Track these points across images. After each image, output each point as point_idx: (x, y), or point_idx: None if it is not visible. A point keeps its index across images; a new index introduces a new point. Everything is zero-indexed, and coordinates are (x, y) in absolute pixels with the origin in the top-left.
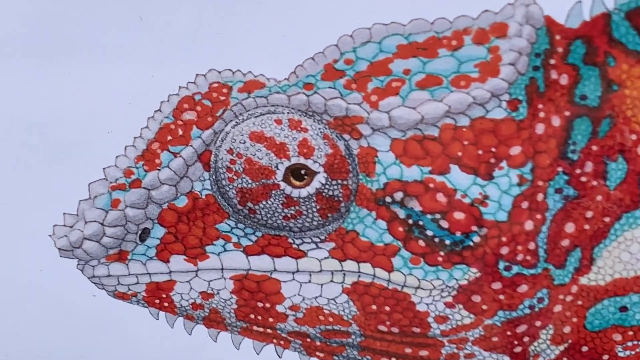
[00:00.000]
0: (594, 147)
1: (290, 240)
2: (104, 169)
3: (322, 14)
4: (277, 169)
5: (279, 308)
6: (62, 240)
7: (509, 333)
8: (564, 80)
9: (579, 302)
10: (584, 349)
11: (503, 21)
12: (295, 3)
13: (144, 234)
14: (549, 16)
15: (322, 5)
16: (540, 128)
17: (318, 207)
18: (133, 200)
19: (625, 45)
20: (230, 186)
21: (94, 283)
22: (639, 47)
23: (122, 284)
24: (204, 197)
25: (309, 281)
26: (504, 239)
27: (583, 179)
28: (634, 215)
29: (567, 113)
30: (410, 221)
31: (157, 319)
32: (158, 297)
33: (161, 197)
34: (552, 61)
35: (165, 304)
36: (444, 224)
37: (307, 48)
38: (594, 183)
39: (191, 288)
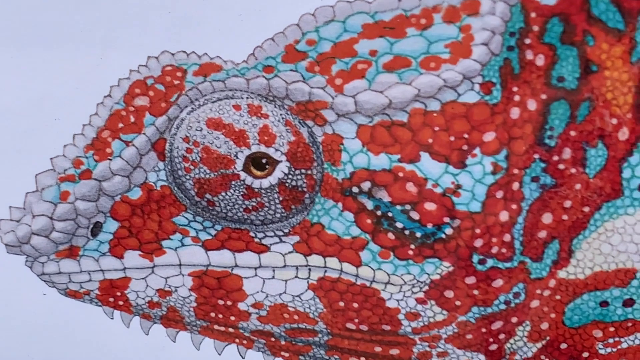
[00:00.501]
0: (572, 133)
1: (252, 234)
2: (51, 159)
3: None
4: (237, 158)
5: (241, 306)
6: (8, 236)
7: (483, 330)
8: (540, 61)
9: (557, 297)
10: (563, 346)
11: None
12: None
13: (96, 229)
14: None
15: None
16: (515, 112)
17: (281, 198)
18: (83, 192)
19: (605, 23)
20: (187, 177)
21: (44, 281)
22: (619, 24)
23: (73, 282)
24: (159, 188)
25: (273, 277)
26: (477, 230)
27: (561, 166)
28: (614, 205)
29: (543, 96)
30: (379, 212)
31: (112, 319)
32: (112, 295)
33: (113, 189)
34: (528, 40)
35: (120, 303)
36: (415, 215)
37: (267, 28)
38: (573, 171)
39: (147, 285)
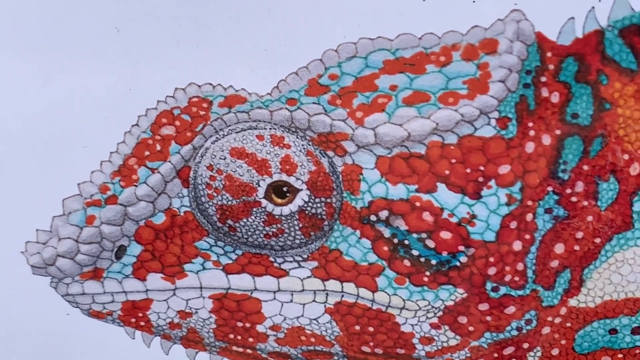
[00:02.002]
0: (585, 167)
1: (271, 258)
2: (78, 184)
3: (306, 27)
4: (259, 186)
5: (260, 328)
6: (34, 257)
7: (495, 355)
8: (555, 98)
9: (568, 324)
10: None
11: (493, 37)
12: (279, 16)
13: (120, 252)
14: (540, 32)
15: (307, 19)
16: (530, 147)
17: (301, 225)
18: (109, 216)
19: (619, 63)
20: (210, 203)
21: (68, 301)
22: (632, 65)
23: (97, 302)
24: (182, 214)
25: (291, 301)
26: (491, 259)
27: (573, 199)
28: (625, 237)
29: (557, 132)
30: (396, 240)
31: (134, 339)
32: (134, 315)
33: (138, 214)
34: (543, 79)
35: (142, 323)
36: (430, 243)
37: (291, 62)
38: (585, 203)
39: (169, 307)
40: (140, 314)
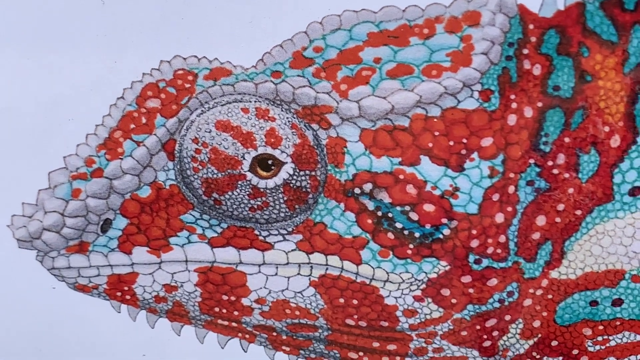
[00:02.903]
0: (566, 139)
1: (256, 232)
2: (64, 157)
3: (290, 0)
4: (244, 159)
5: (245, 301)
6: (20, 231)
7: (478, 327)
8: (537, 70)
9: (549, 296)
10: (554, 343)
11: (476, 9)
12: None
13: (106, 225)
14: (522, 5)
15: None
16: (512, 119)
17: (285, 198)
18: (94, 190)
19: (600, 35)
20: (195, 176)
21: (54, 275)
22: (613, 37)
23: (82, 276)
24: (167, 187)
25: (276, 274)
26: (474, 231)
27: (555, 171)
28: (605, 208)
29: (539, 104)
30: (380, 213)
31: (119, 312)
32: (120, 289)
33: (124, 187)
34: (525, 51)
35: (127, 297)
36: (414, 216)
37: (275, 35)
38: (566, 175)
39: (154, 280)
40: (126, 288)
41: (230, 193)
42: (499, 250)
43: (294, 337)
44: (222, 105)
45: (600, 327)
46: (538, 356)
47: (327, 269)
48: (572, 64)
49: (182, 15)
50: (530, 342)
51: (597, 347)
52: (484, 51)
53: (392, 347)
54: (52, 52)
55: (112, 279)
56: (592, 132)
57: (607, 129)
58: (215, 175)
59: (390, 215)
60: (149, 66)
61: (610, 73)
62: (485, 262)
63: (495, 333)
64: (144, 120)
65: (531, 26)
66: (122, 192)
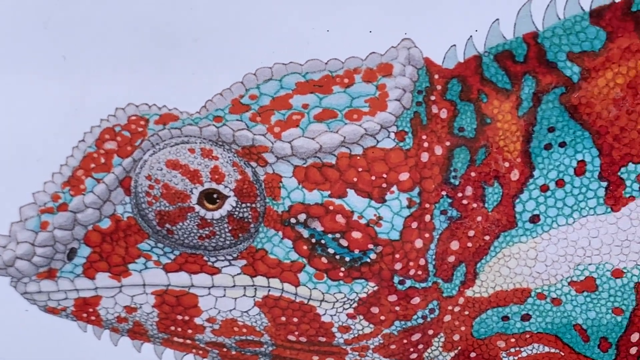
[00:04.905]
0: (473, 174)
1: (205, 258)
2: (33, 194)
3: (228, 54)
4: (192, 193)
5: (197, 320)
6: None
7: (405, 341)
8: (444, 114)
9: (466, 312)
10: (472, 354)
11: (388, 62)
12: (204, 45)
13: (72, 253)
14: (427, 58)
15: (228, 47)
16: (424, 156)
17: (230, 227)
18: (61, 222)
19: (495, 83)
20: (150, 209)
21: (26, 299)
22: (507, 85)
23: (52, 299)
24: (125, 219)
25: (224, 295)
26: (397, 256)
27: (464, 201)
28: (510, 234)
29: (447, 143)
30: (314, 240)
31: (85, 332)
32: (85, 311)
33: (86, 220)
34: (433, 97)
35: (93, 318)
36: (344, 242)
37: (216, 85)
38: (474, 205)
39: (116, 303)
40: (91, 309)
41: (181, 224)
42: (419, 272)
43: (242, 352)
44: (171, 146)
45: (512, 340)
46: None
47: (269, 290)
48: (473, 109)
49: (134, 68)
50: (452, 354)
51: (511, 358)
52: (397, 98)
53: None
54: (22, 101)
55: (78, 302)
56: (494, 167)
57: (507, 164)
58: (167, 208)
59: (323, 242)
60: (105, 113)
61: (506, 116)
62: (408, 283)
63: (420, 346)
64: (102, 160)
65: (436, 76)
66: (85, 223)
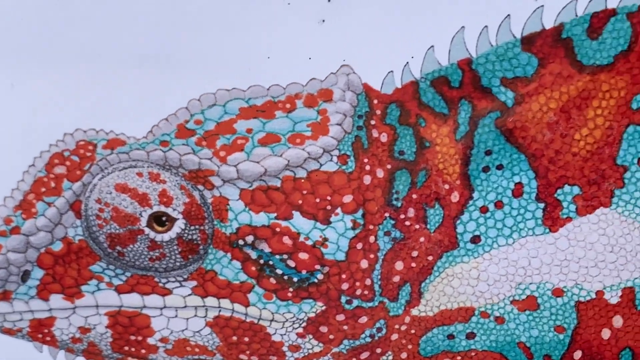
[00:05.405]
0: (414, 196)
1: (156, 279)
2: None
3: (172, 80)
4: (141, 216)
5: (150, 340)
6: None
7: (354, 359)
8: (384, 138)
9: (413, 331)
10: None
11: (328, 88)
12: (149, 72)
13: (25, 275)
14: (366, 84)
15: (173, 72)
16: (367, 179)
17: (179, 249)
18: (14, 245)
19: (433, 108)
20: (100, 232)
21: None
22: (444, 110)
23: (7, 321)
24: (77, 241)
25: (176, 316)
26: (343, 276)
27: (407, 223)
28: (452, 254)
29: (388, 166)
30: (262, 261)
31: (41, 352)
32: (41, 332)
33: (39, 242)
34: (373, 122)
35: (48, 338)
36: (291, 263)
37: (161, 110)
38: (417, 226)
39: (70, 323)
40: (46, 330)
41: (131, 246)
42: (366, 292)
43: None
44: (119, 170)
45: (459, 358)
46: None
47: (220, 310)
48: (412, 132)
49: (82, 94)
50: None
51: None
52: (338, 122)
53: None
54: None
55: (33, 323)
56: (435, 190)
57: (447, 186)
58: (117, 231)
59: (271, 263)
60: (54, 138)
61: (445, 140)
62: (355, 302)
63: None
64: (53, 185)
65: (375, 101)
66: (37, 246)
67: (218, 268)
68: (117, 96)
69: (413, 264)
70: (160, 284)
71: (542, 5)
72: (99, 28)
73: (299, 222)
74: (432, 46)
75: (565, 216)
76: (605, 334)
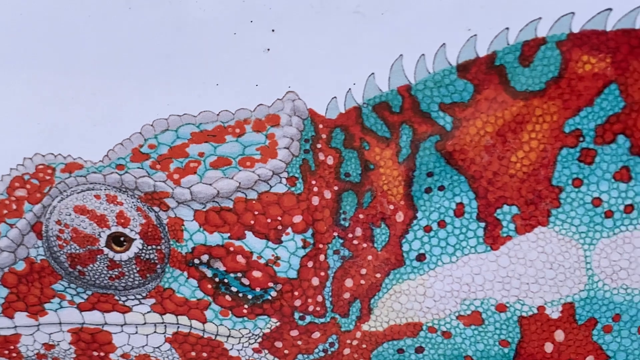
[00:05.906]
0: (361, 216)
1: (116, 297)
2: None
3: (126, 106)
4: (100, 236)
5: (112, 356)
6: None
7: None
8: (330, 160)
9: (364, 346)
10: None
11: (276, 113)
12: (104, 98)
13: None
14: (311, 109)
15: (126, 99)
16: (315, 200)
17: (138, 268)
18: None
19: (375, 132)
20: (61, 252)
21: None
22: (386, 134)
23: None
24: (39, 261)
25: (136, 332)
26: (296, 293)
27: (355, 242)
28: (399, 272)
29: (336, 187)
30: (217, 279)
31: None
32: (7, 348)
33: (2, 262)
34: (319, 145)
35: (14, 355)
36: (245, 281)
37: (117, 135)
38: (364, 245)
39: (35, 340)
40: (12, 347)
41: (91, 265)
42: (318, 308)
43: None
44: (78, 192)
45: None
46: None
47: (178, 327)
48: (357, 155)
49: (39, 121)
50: None
51: None
52: (286, 146)
53: None
54: None
55: None
56: (380, 210)
57: (392, 207)
58: (77, 251)
59: (226, 280)
60: (14, 162)
61: (388, 162)
62: (308, 318)
63: None
64: (14, 207)
65: (321, 125)
66: (1, 266)
67: (175, 286)
68: (73, 121)
69: (362, 281)
70: (121, 302)
71: (476, 35)
72: (54, 54)
73: (252, 242)
74: (373, 73)
75: (505, 235)
76: (548, 347)
